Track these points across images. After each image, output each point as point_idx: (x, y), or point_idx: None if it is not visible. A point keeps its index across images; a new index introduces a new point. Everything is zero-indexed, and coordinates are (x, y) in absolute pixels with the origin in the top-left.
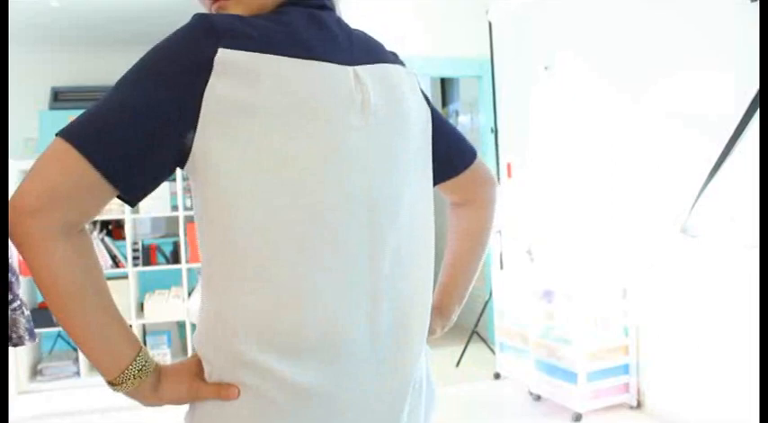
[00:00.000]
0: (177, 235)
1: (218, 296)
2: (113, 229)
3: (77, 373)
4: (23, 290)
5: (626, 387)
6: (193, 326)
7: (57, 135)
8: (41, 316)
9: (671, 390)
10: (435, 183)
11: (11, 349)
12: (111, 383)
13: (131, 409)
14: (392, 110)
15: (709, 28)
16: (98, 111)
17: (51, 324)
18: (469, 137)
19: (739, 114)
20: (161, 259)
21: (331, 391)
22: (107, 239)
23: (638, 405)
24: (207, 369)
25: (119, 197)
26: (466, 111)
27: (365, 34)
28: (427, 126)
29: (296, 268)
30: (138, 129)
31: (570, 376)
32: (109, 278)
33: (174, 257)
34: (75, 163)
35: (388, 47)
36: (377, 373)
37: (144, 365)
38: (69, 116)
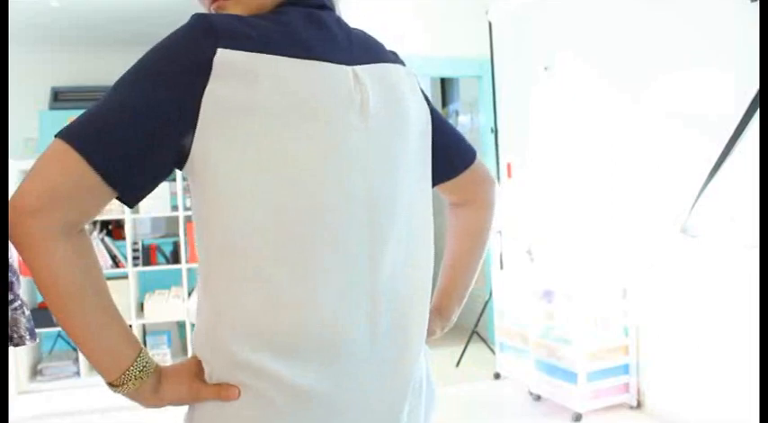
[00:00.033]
0: (177, 235)
1: (216, 297)
2: (113, 229)
3: (77, 373)
4: (24, 290)
5: (626, 387)
6: (193, 326)
7: (56, 136)
8: (41, 316)
9: (671, 390)
10: (435, 183)
11: (11, 349)
12: (112, 385)
13: (131, 409)
14: (392, 110)
15: (709, 28)
16: (98, 111)
17: (51, 324)
18: (469, 137)
19: (739, 114)
20: (161, 259)
21: (331, 392)
22: (107, 239)
23: (638, 405)
24: (207, 370)
25: (117, 198)
26: (466, 111)
27: (365, 33)
28: (427, 126)
29: (295, 268)
30: (138, 129)
31: (570, 376)
32: (109, 278)
33: (174, 257)
34: (75, 164)
35: (388, 47)
36: (376, 374)
37: (144, 366)
38: (69, 116)
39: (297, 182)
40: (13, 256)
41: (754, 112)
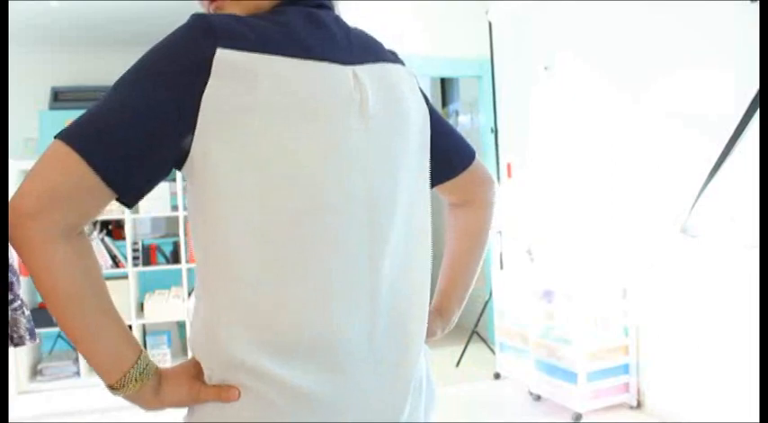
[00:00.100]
0: (177, 235)
1: (214, 297)
2: (113, 229)
3: (77, 373)
4: (23, 290)
5: (626, 387)
6: None
7: (56, 137)
8: (42, 316)
9: (671, 390)
10: (434, 183)
11: (11, 349)
12: (112, 387)
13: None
14: (391, 110)
15: (709, 28)
16: (97, 112)
17: (51, 324)
18: (469, 137)
19: (739, 114)
20: (161, 259)
21: (331, 393)
22: (107, 239)
23: (638, 405)
24: (206, 371)
25: (117, 199)
26: (466, 111)
27: (364, 33)
28: (426, 126)
29: (294, 269)
30: (138, 129)
31: (570, 376)
32: (109, 278)
33: (174, 257)
34: (75, 165)
35: (388, 46)
36: (376, 374)
37: (145, 369)
38: (69, 116)
39: (296, 181)
40: (14, 256)
41: (754, 112)
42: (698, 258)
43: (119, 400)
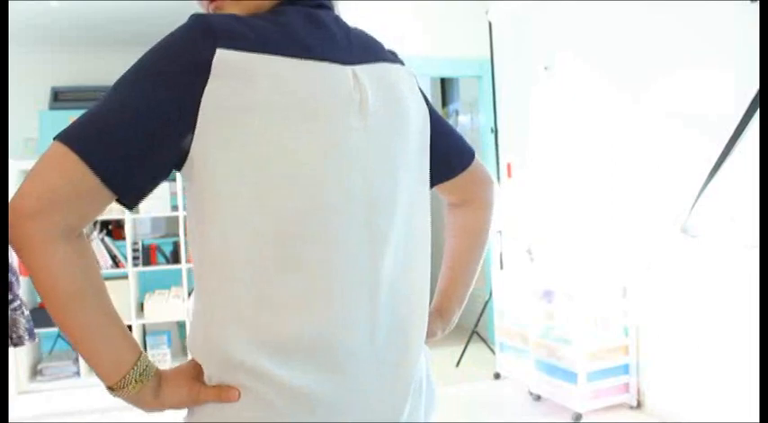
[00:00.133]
0: (177, 235)
1: (212, 297)
2: (113, 229)
3: (77, 373)
4: (23, 290)
5: (626, 387)
6: None
7: (55, 139)
8: (41, 316)
9: (671, 390)
10: (434, 183)
11: (11, 349)
12: (112, 389)
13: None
14: (391, 110)
15: (709, 28)
16: (97, 112)
17: (51, 324)
18: (469, 137)
19: (739, 114)
20: (161, 259)
21: (331, 393)
22: (107, 239)
23: (638, 405)
24: (206, 372)
25: (117, 200)
26: (466, 111)
27: (364, 33)
28: (426, 126)
29: (294, 269)
30: (139, 129)
31: (570, 376)
32: (109, 278)
33: (174, 257)
34: (75, 167)
35: (388, 46)
36: (377, 374)
37: (145, 370)
38: (69, 116)
39: (296, 181)
40: (13, 256)
41: (754, 112)
42: (698, 258)
43: (119, 401)
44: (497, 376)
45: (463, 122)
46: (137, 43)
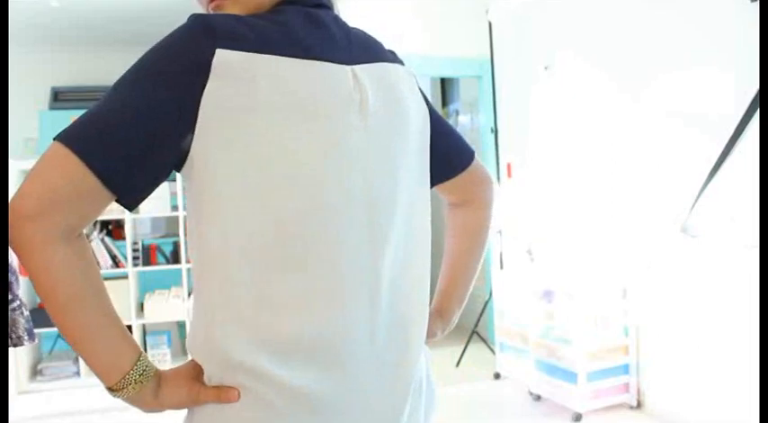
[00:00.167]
0: (177, 235)
1: (211, 297)
2: (113, 229)
3: (77, 373)
4: (23, 290)
5: (626, 387)
6: None
7: (55, 139)
8: (41, 316)
9: (671, 390)
10: (434, 183)
11: (11, 349)
12: (111, 389)
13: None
14: (391, 110)
15: (709, 28)
16: (98, 112)
17: (51, 324)
18: (469, 137)
19: (739, 114)
20: (161, 259)
21: (331, 393)
22: (107, 239)
23: (638, 405)
24: (206, 372)
25: (117, 201)
26: (466, 111)
27: (364, 33)
28: (426, 126)
29: (294, 269)
30: (139, 129)
31: (570, 376)
32: (109, 278)
33: (174, 257)
34: (75, 168)
35: (388, 46)
36: (377, 375)
37: (144, 370)
38: (69, 116)
39: (297, 181)
40: (13, 256)
41: (754, 112)
42: (698, 258)
43: (119, 401)
44: (497, 376)
45: (463, 122)
46: (137, 43)
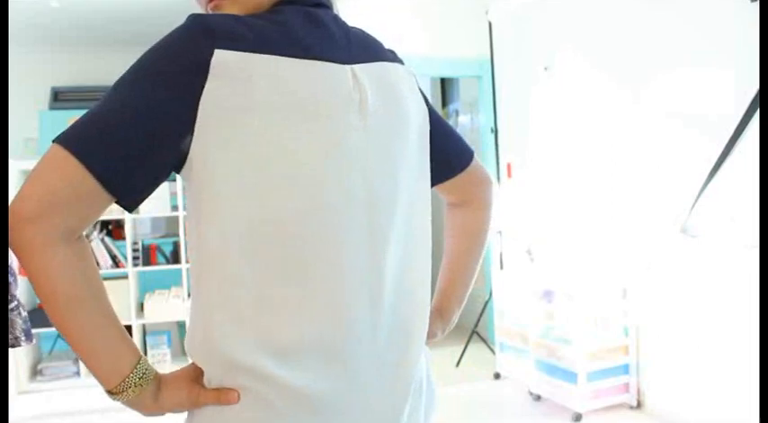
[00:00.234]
0: (177, 235)
1: (212, 298)
2: (113, 229)
3: (77, 373)
4: (22, 291)
5: (626, 387)
6: None
7: (55, 141)
8: (41, 316)
9: (671, 390)
10: (433, 183)
11: (10, 350)
12: (111, 393)
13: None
14: (391, 109)
15: (709, 28)
16: (97, 112)
17: (51, 324)
18: (469, 137)
19: (739, 114)
20: (161, 259)
21: (331, 393)
22: (107, 239)
23: (638, 405)
24: (206, 374)
25: (116, 202)
26: (466, 111)
27: (363, 32)
28: (425, 126)
29: (294, 269)
30: (139, 130)
31: (570, 376)
32: (109, 278)
33: (174, 257)
34: (74, 170)
35: (387, 46)
36: (377, 375)
37: (144, 373)
38: (69, 116)
39: (296, 181)
40: (11, 256)
41: (754, 112)
42: (698, 258)
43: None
44: (497, 376)
45: (463, 122)
46: (137, 43)
